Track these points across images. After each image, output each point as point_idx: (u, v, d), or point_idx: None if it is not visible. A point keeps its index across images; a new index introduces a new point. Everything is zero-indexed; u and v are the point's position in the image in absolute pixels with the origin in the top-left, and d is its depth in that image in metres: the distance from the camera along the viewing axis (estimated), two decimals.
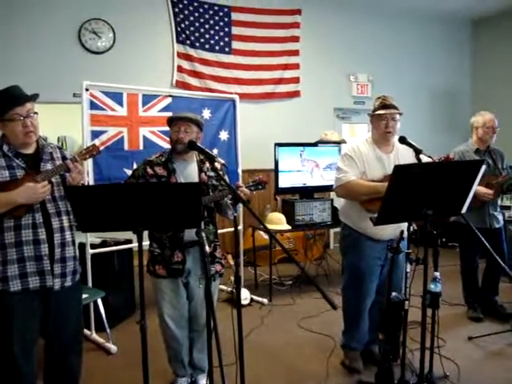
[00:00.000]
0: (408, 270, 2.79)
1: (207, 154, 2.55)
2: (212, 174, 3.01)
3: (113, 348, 3.80)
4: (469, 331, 4.16)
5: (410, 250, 2.68)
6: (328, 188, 5.92)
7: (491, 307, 4.53)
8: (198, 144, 2.69)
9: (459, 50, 8.49)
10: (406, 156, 3.26)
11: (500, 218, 4.37)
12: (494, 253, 3.04)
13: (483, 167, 2.50)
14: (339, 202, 3.52)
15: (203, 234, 2.28)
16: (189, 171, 2.97)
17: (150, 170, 2.91)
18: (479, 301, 4.51)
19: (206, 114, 4.79)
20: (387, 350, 2.64)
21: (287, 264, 6.43)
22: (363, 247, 3.22)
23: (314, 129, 6.84)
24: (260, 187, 3.00)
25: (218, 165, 2.53)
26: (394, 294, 2.59)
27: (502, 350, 3.86)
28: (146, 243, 2.67)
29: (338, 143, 5.98)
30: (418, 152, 2.91)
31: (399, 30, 7.91)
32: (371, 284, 3.28)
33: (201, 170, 3.00)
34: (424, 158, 2.87)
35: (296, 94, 7.26)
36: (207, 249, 2.20)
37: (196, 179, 2.95)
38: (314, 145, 5.88)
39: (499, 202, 4.34)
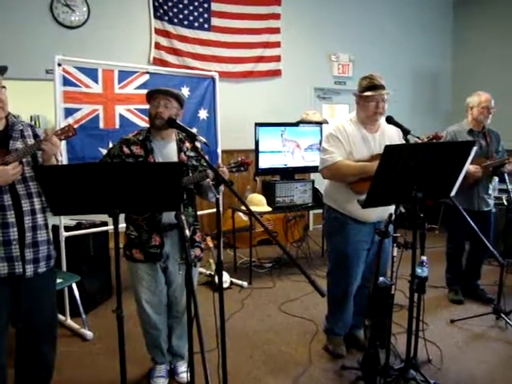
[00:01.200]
0: (395, 254, 2.73)
1: (188, 132, 2.41)
2: (192, 154, 2.87)
3: (88, 334, 3.66)
4: (451, 314, 4.15)
5: (398, 234, 2.60)
6: (309, 169, 5.85)
7: (472, 291, 4.53)
8: (178, 121, 2.54)
9: (440, 32, 8.39)
10: (392, 136, 3.17)
11: (490, 201, 4.30)
12: (481, 235, 2.99)
13: (474, 148, 2.41)
14: (324, 184, 3.40)
15: (183, 217, 2.15)
16: (167, 151, 2.82)
17: (126, 149, 2.76)
18: (461, 284, 4.50)
19: (185, 91, 4.63)
20: (374, 337, 2.57)
21: (267, 246, 6.38)
22: (349, 230, 3.13)
23: (294, 109, 6.72)
24: (242, 169, 2.87)
25: (198, 144, 2.40)
26: (381, 278, 2.51)
27: (484, 333, 3.86)
28: (122, 225, 2.53)
29: (320, 123, 5.88)
30: (406, 132, 2.83)
31: (381, 10, 7.76)
32: (357, 268, 3.20)
33: (180, 150, 2.85)
34: (412, 140, 2.79)
35: (277, 72, 7.10)
36: (187, 233, 2.08)
37: (175, 159, 2.81)
38: (295, 125, 5.77)
39: (492, 186, 4.26)
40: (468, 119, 4.28)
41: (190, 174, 2.80)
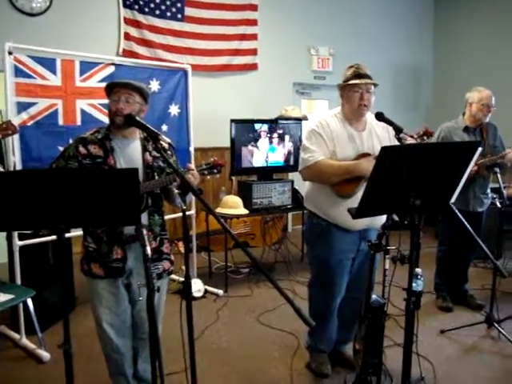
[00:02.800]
0: (387, 267, 2.44)
1: (149, 132, 2.07)
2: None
3: (45, 356, 3.27)
4: (440, 323, 3.90)
5: (393, 247, 2.30)
6: (288, 168, 5.54)
7: (461, 297, 4.30)
8: (138, 118, 2.19)
9: (421, 26, 8.19)
10: (381, 135, 2.88)
11: (486, 201, 4.07)
12: (479, 240, 2.71)
13: (479, 149, 2.13)
14: (304, 187, 3.08)
15: (144, 232, 1.81)
16: (130, 150, 2.47)
17: (82, 149, 2.40)
18: (449, 290, 4.26)
19: (155, 85, 4.27)
20: (367, 364, 2.27)
21: None
22: (333, 238, 2.83)
23: (272, 104, 6.41)
24: (215, 171, 2.53)
25: (164, 144, 2.06)
26: (373, 297, 2.22)
27: (476, 344, 3.63)
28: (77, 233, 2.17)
29: (300, 120, 5.57)
30: (398, 130, 2.53)
31: (361, 3, 7.50)
32: (341, 280, 2.90)
33: (145, 149, 2.50)
34: (406, 139, 2.50)
35: (253, 66, 6.75)
36: (148, 251, 1.74)
37: (139, 160, 2.46)
38: (274, 121, 5.44)
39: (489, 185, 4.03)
40: (465, 115, 4.02)
41: (156, 177, 2.46)
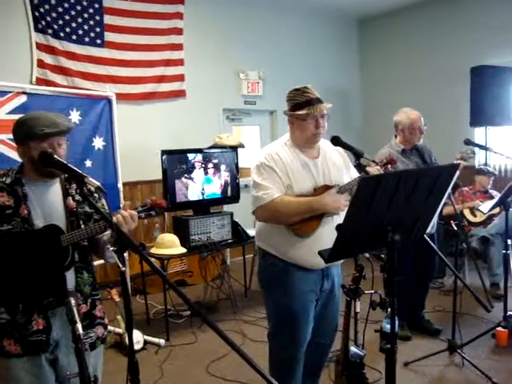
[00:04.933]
0: (358, 310, 2.14)
1: (72, 174, 1.66)
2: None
3: None
4: (402, 354, 3.62)
5: (372, 291, 2.01)
6: (226, 200, 5.20)
7: (417, 322, 4.13)
8: (57, 157, 1.77)
9: (347, 50, 8.21)
10: (337, 161, 2.62)
11: (435, 221, 3.92)
12: (445, 258, 2.49)
13: (457, 173, 1.90)
14: (246, 218, 2.75)
15: (72, 302, 1.40)
16: (49, 196, 2.03)
17: None
18: (406, 318, 4.05)
19: (75, 116, 3.85)
20: None
21: (182, 288, 5.61)
22: (293, 280, 2.49)
23: (202, 132, 6.10)
24: (153, 213, 2.12)
25: (91, 188, 1.66)
26: (352, 349, 1.90)
27: (442, 375, 3.49)
28: None
29: (236, 147, 5.27)
30: (358, 156, 2.29)
31: (288, 26, 7.37)
32: (306, 327, 2.56)
33: (67, 194, 2.07)
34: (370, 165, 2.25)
35: (181, 93, 6.39)
36: (80, 329, 1.33)
37: (60, 206, 2.03)
38: (207, 151, 5.09)
39: None
40: (397, 140, 3.89)
41: (82, 226, 2.04)
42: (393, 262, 1.79)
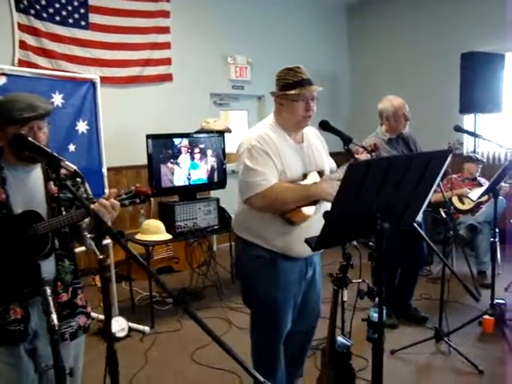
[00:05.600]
0: (345, 298, 2.10)
1: (48, 157, 1.58)
2: (67, 182, 2.00)
3: None
4: (388, 342, 3.58)
5: (359, 280, 1.96)
6: (212, 186, 5.14)
7: (404, 311, 4.12)
8: (31, 139, 1.69)
9: (336, 36, 8.13)
10: (318, 147, 2.57)
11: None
12: (434, 246, 2.45)
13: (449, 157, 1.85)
14: (236, 210, 2.55)
15: (48, 292, 1.33)
16: (29, 182, 1.95)
17: None
18: (393, 306, 4.03)
19: (58, 99, 3.72)
20: None
21: (168, 275, 5.58)
22: (279, 271, 2.41)
23: (189, 117, 5.99)
24: (137, 201, 2.03)
25: (65, 171, 1.58)
26: (339, 339, 1.86)
27: (429, 363, 3.48)
28: None
29: (223, 132, 5.19)
30: (347, 141, 2.23)
31: (277, 12, 7.25)
32: (288, 317, 2.50)
33: (48, 178, 2.00)
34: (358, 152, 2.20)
35: (167, 77, 6.27)
36: (55, 320, 1.27)
37: (41, 191, 1.96)
38: (194, 135, 5.01)
39: None
40: (383, 128, 3.84)
41: (64, 212, 1.97)
42: (381, 250, 1.74)
